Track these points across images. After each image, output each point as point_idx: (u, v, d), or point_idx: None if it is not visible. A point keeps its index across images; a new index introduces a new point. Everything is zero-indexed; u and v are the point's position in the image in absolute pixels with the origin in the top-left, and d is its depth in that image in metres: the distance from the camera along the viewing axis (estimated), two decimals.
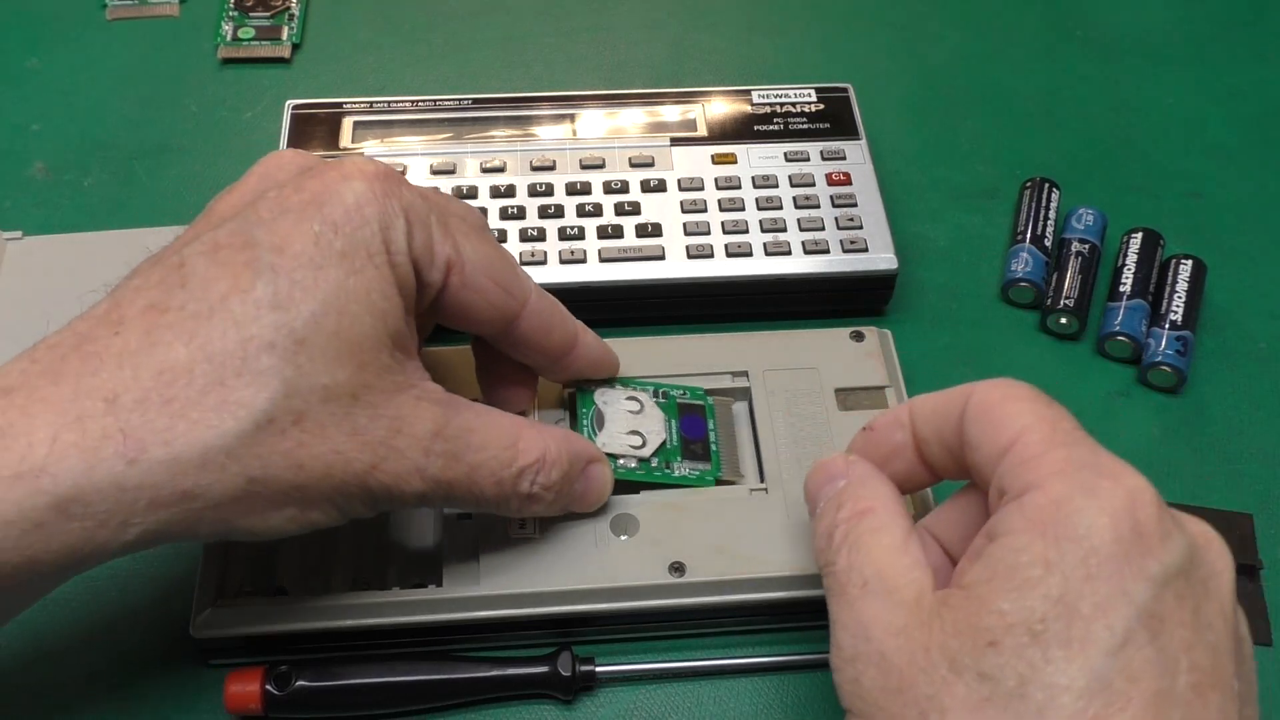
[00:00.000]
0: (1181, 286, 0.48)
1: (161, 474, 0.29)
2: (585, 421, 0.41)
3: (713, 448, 0.42)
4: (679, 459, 0.41)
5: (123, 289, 0.32)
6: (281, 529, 0.32)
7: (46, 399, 0.29)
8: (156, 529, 0.30)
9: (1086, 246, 0.50)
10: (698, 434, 0.42)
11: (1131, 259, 0.49)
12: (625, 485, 0.40)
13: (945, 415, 0.33)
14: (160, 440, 0.29)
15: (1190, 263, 0.49)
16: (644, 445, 0.41)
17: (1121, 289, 0.48)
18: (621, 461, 0.40)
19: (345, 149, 0.50)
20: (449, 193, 0.48)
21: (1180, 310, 0.47)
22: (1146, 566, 0.27)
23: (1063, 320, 0.48)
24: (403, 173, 0.49)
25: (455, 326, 0.37)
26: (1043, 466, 0.29)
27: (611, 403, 0.42)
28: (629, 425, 0.41)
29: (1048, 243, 0.50)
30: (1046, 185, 0.52)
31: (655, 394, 0.42)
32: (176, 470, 0.29)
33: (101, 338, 0.30)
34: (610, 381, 0.42)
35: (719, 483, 0.41)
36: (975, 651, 0.27)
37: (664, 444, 0.41)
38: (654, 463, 0.41)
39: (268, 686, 0.37)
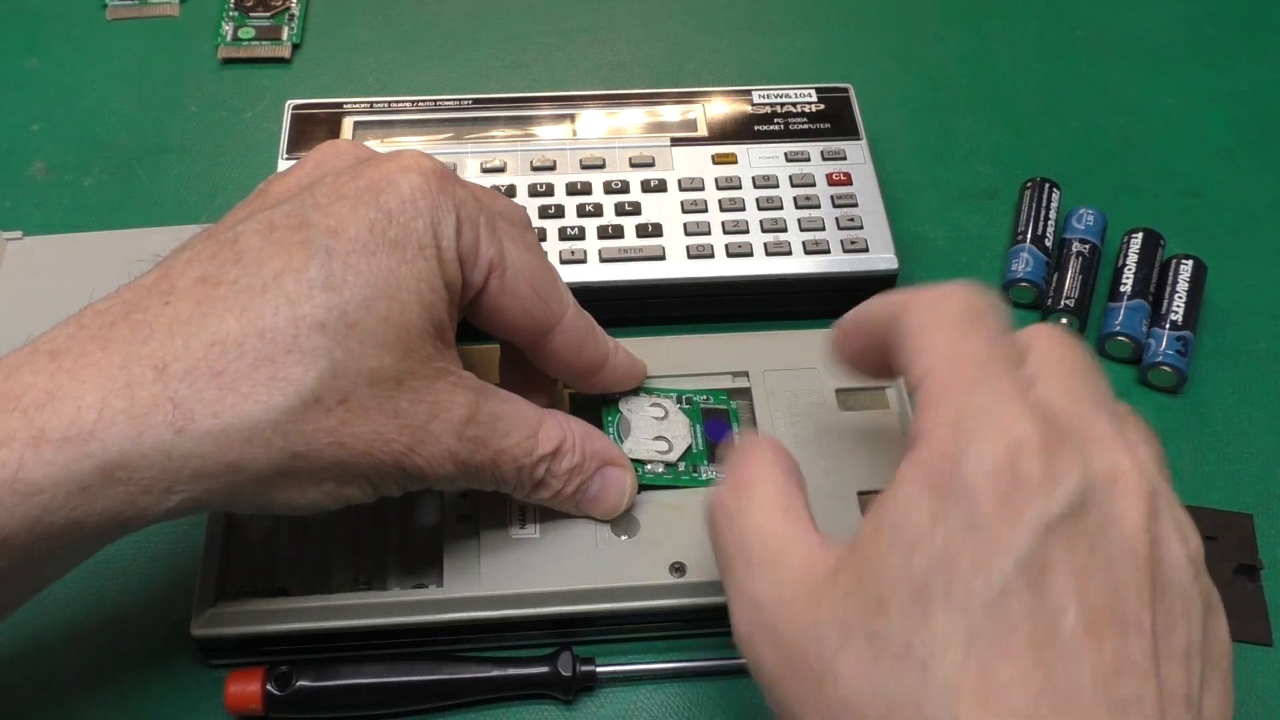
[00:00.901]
0: (1182, 286, 0.48)
1: (208, 444, 0.30)
2: (611, 430, 0.41)
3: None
4: (705, 463, 0.41)
5: (173, 260, 0.32)
6: (318, 504, 0.33)
7: (96, 364, 0.30)
8: (199, 497, 0.31)
9: (1087, 247, 0.50)
10: (721, 437, 0.42)
11: (1132, 259, 0.49)
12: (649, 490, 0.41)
13: (885, 331, 0.32)
14: (209, 411, 0.30)
15: (1191, 263, 0.49)
16: (670, 450, 0.41)
17: (1122, 289, 0.48)
18: (649, 467, 0.41)
19: None
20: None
21: (1181, 310, 0.47)
22: (1025, 516, 0.26)
23: (1063, 320, 0.48)
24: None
25: (488, 329, 0.37)
26: (937, 413, 0.28)
27: (636, 410, 0.42)
28: (654, 431, 0.42)
29: (1048, 243, 0.50)
30: (1047, 185, 0.52)
31: (679, 400, 0.43)
32: (223, 442, 0.30)
33: (151, 306, 0.31)
34: (634, 389, 0.43)
35: None
36: (865, 615, 0.26)
37: (690, 448, 0.41)
38: (681, 467, 0.41)
39: (268, 687, 0.37)
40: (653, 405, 0.42)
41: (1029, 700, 0.25)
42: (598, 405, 0.42)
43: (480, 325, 0.37)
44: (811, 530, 0.30)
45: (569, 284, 0.46)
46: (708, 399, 0.43)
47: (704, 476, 0.41)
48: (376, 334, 0.31)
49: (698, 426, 0.42)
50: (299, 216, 0.32)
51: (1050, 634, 0.25)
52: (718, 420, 0.43)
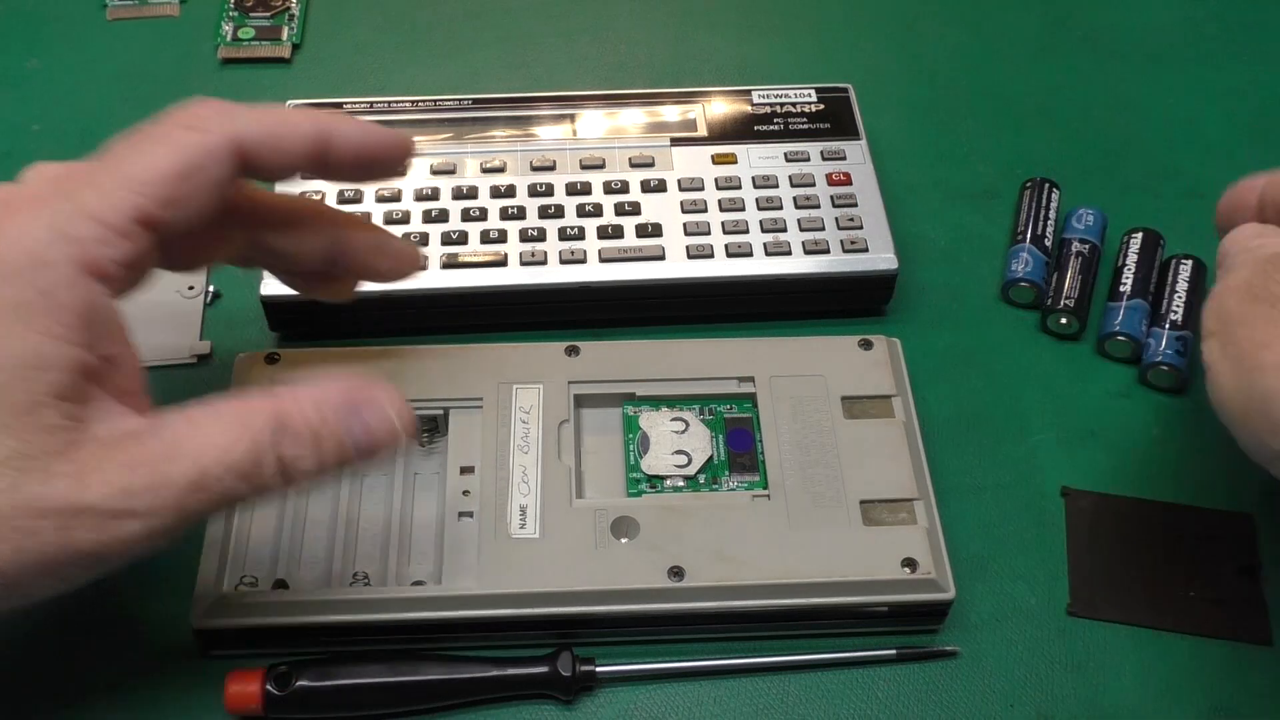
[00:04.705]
0: (1182, 286, 0.48)
1: None
2: (631, 446, 0.41)
3: (760, 459, 0.42)
4: (727, 473, 0.41)
5: None
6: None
7: None
8: None
9: (1087, 246, 0.50)
10: (745, 447, 0.42)
11: (1132, 259, 0.49)
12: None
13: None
14: None
15: (1190, 262, 0.49)
16: (689, 464, 0.41)
17: (1122, 289, 0.48)
18: (669, 482, 0.41)
19: None
20: (448, 193, 0.49)
21: (1180, 310, 0.47)
22: None
23: (1063, 320, 0.48)
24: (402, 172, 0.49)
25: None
26: None
27: (656, 425, 0.42)
28: (674, 445, 0.42)
29: (1048, 242, 0.50)
30: (1047, 185, 0.52)
31: (701, 411, 0.43)
32: None
33: None
34: (655, 404, 0.43)
35: None
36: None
37: (710, 460, 0.41)
38: (701, 480, 0.41)
39: (268, 686, 0.37)
40: (674, 419, 0.42)
41: None
42: (602, 410, 0.42)
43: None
44: None
45: (569, 284, 0.47)
46: (731, 408, 0.43)
47: (725, 489, 0.41)
48: None
49: (719, 437, 0.42)
50: None
51: None
52: (741, 430, 0.43)
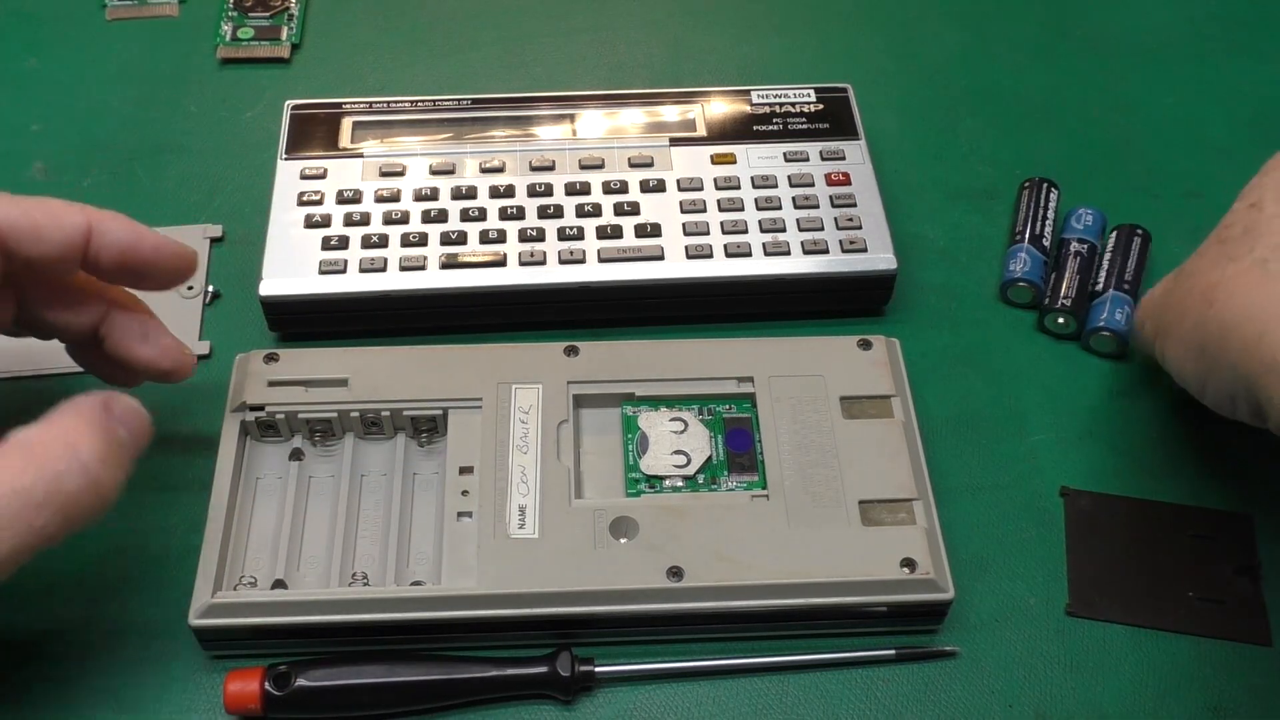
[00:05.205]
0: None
1: None
2: (630, 447, 0.41)
3: (759, 459, 0.42)
4: (725, 473, 0.41)
5: None
6: None
7: None
8: None
9: (1085, 246, 0.50)
10: (744, 447, 0.42)
11: (1108, 256, 0.50)
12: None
13: None
14: None
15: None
16: (688, 464, 0.41)
17: (1097, 285, 0.49)
18: (667, 483, 0.41)
19: (345, 149, 0.50)
20: (447, 193, 0.49)
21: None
22: None
23: (1060, 320, 0.48)
24: (402, 173, 0.49)
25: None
26: None
27: (655, 426, 0.42)
28: (673, 446, 0.42)
29: (1046, 242, 0.50)
30: (1045, 185, 0.52)
31: (700, 411, 0.43)
32: None
33: None
34: (654, 405, 0.43)
35: None
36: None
37: (709, 460, 0.41)
38: (700, 479, 0.41)
39: (267, 686, 0.37)
40: (673, 419, 0.42)
41: None
42: (601, 410, 0.42)
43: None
44: None
45: (569, 284, 0.47)
46: (731, 408, 0.43)
47: (724, 488, 0.41)
48: None
49: (718, 438, 0.42)
50: None
51: None
52: (740, 429, 0.43)
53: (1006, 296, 0.50)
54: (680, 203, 0.49)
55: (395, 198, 0.49)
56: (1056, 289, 0.49)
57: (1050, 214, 0.51)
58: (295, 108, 0.52)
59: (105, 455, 0.34)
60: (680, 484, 0.41)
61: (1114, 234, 0.50)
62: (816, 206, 0.49)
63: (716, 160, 0.50)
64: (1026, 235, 0.50)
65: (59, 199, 0.37)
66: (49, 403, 0.35)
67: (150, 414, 0.36)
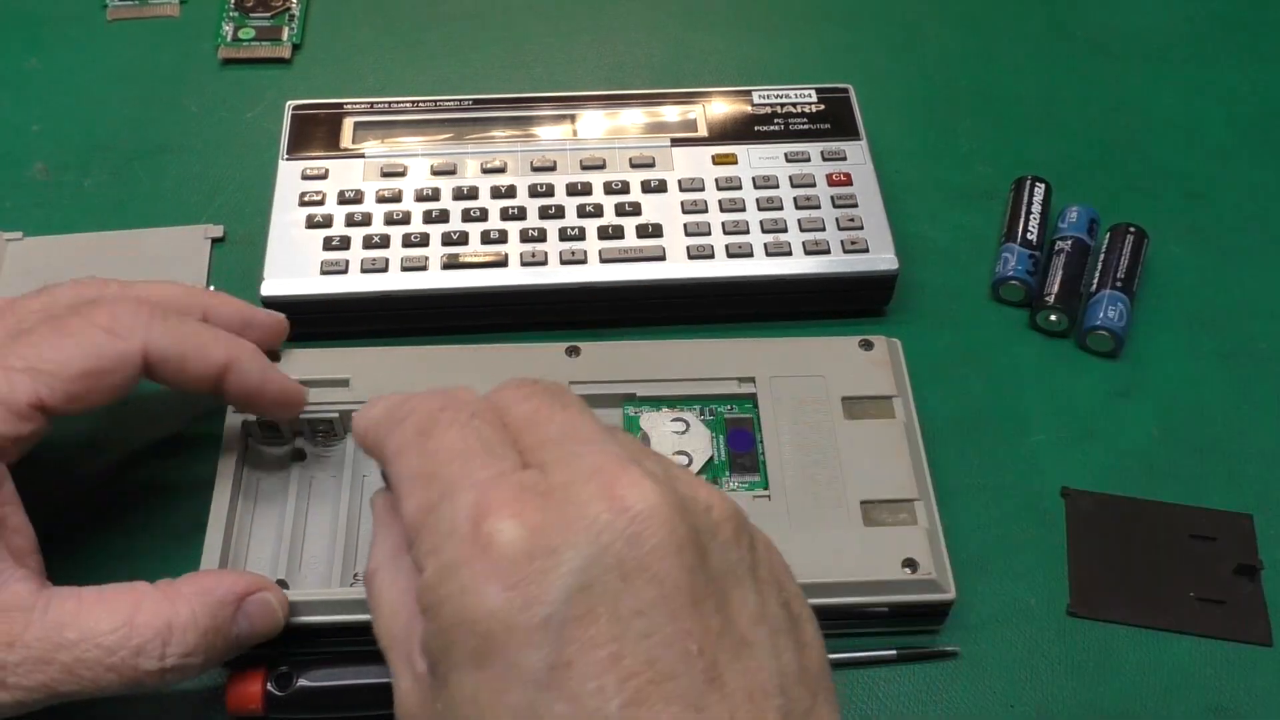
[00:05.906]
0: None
1: None
2: None
3: (761, 459, 0.42)
4: (727, 474, 0.41)
5: None
6: None
7: None
8: None
9: (1069, 242, 0.50)
10: (746, 447, 0.42)
11: (1101, 255, 0.50)
12: None
13: None
14: None
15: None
16: (690, 464, 0.41)
17: (1091, 285, 0.49)
18: None
19: (346, 149, 0.50)
20: (449, 193, 0.49)
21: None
22: (522, 627, 0.25)
23: (1052, 317, 0.48)
24: (403, 173, 0.49)
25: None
26: None
27: (656, 426, 0.42)
28: (674, 446, 0.42)
29: (1031, 237, 0.50)
30: (1031, 181, 0.52)
31: (702, 412, 0.43)
32: None
33: None
34: (656, 405, 0.43)
35: None
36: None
37: (711, 460, 0.41)
38: None
39: (268, 686, 0.37)
40: (674, 420, 0.42)
41: None
42: (602, 410, 0.42)
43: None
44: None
45: (570, 284, 0.47)
46: (731, 408, 0.43)
47: (725, 489, 0.41)
48: None
49: (720, 438, 0.42)
50: None
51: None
52: (742, 430, 0.43)
53: (999, 295, 0.50)
54: (681, 203, 0.49)
55: (396, 198, 0.49)
56: (1045, 286, 0.49)
57: (1037, 211, 0.51)
58: (296, 108, 0.52)
59: (194, 649, 0.34)
60: None
61: (1109, 233, 0.50)
62: (818, 207, 0.49)
63: (718, 161, 0.50)
64: (1014, 234, 0.50)
65: (209, 327, 0.38)
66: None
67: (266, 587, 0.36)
